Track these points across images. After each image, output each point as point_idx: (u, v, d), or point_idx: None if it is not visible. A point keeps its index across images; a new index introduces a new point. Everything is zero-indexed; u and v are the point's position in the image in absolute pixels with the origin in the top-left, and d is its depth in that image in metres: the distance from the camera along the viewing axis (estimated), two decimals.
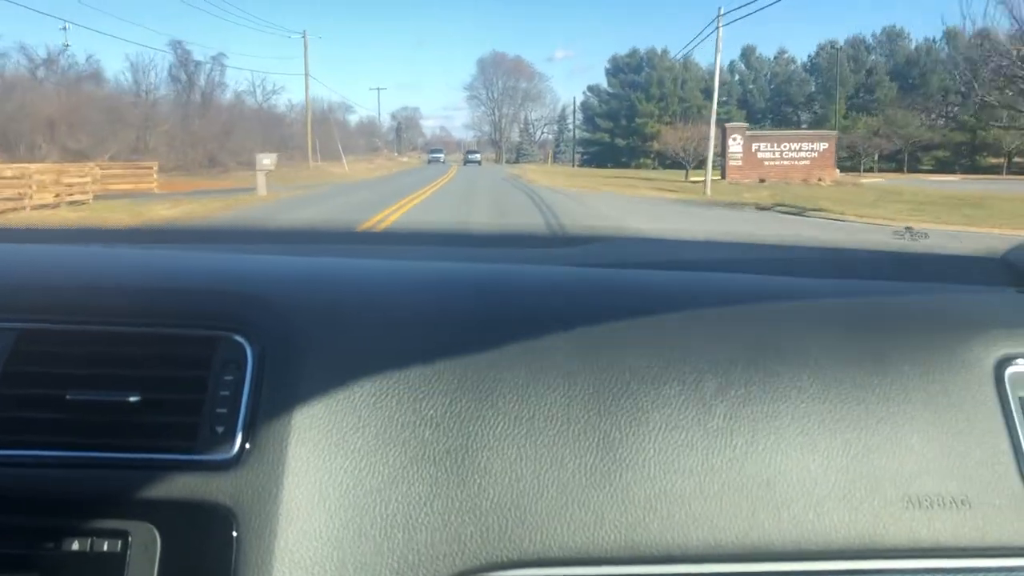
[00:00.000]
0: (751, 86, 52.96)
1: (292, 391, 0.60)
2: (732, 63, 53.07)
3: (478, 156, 56.96)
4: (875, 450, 0.60)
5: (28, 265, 0.75)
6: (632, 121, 50.84)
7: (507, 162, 62.67)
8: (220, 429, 0.59)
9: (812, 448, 0.60)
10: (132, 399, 0.59)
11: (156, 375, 0.61)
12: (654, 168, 43.47)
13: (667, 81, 50.69)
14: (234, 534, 0.56)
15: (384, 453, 0.59)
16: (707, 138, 21.04)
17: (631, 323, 0.67)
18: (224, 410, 0.59)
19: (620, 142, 51.52)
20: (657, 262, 0.83)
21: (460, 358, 0.63)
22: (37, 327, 0.63)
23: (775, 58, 53.21)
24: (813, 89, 50.10)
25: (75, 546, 0.56)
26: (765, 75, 53.37)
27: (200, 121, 29.94)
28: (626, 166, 47.68)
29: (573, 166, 54.16)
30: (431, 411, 0.60)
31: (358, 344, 0.64)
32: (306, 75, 35.40)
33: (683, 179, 26.15)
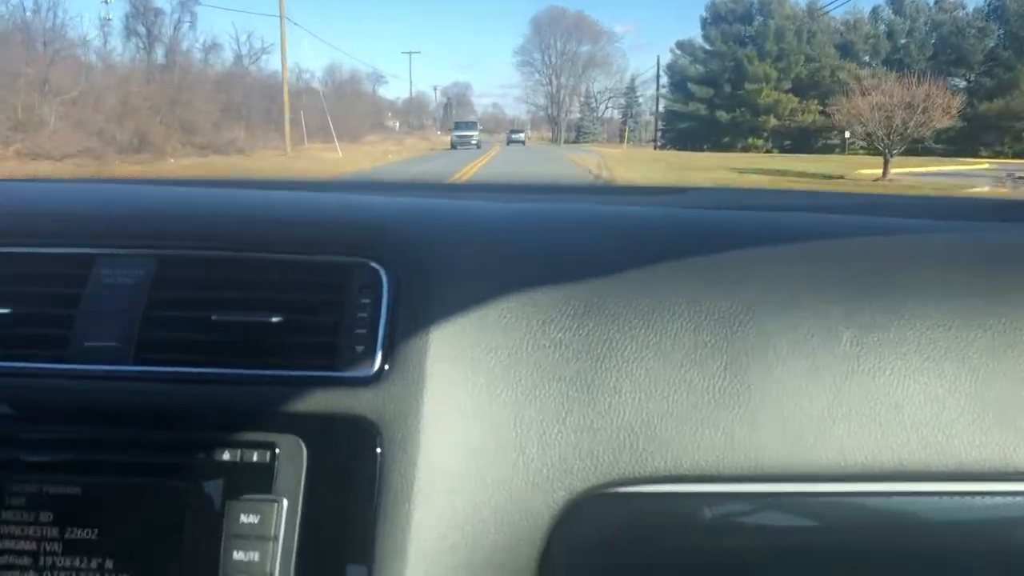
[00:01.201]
0: (904, 40, 52.27)
1: (427, 315, 0.85)
2: (876, 9, 52.60)
3: (522, 135, 57.94)
4: (1003, 376, 0.81)
5: (175, 200, 1.02)
6: (739, 87, 50.63)
7: (565, 142, 63.11)
8: (360, 348, 0.84)
9: (939, 374, 0.81)
10: (274, 320, 0.85)
11: (296, 299, 0.87)
12: (767, 150, 42.75)
13: (787, 34, 50.38)
14: (378, 448, 0.80)
15: (516, 372, 0.83)
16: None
17: (750, 255, 0.90)
18: (363, 331, 0.84)
19: (722, 116, 51.33)
20: (762, 205, 1.07)
21: (585, 285, 0.87)
22: (182, 254, 0.90)
23: (937, 1, 52.50)
24: (994, 43, 49.15)
25: (226, 456, 0.81)
26: (924, 24, 52.64)
27: (145, 88, 29.53)
28: (730, 148, 47.11)
29: (655, 148, 54.04)
30: (559, 334, 0.84)
31: (487, 272, 0.88)
32: (282, 20, 35.01)
33: (857, 175, 21.41)
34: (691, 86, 54.39)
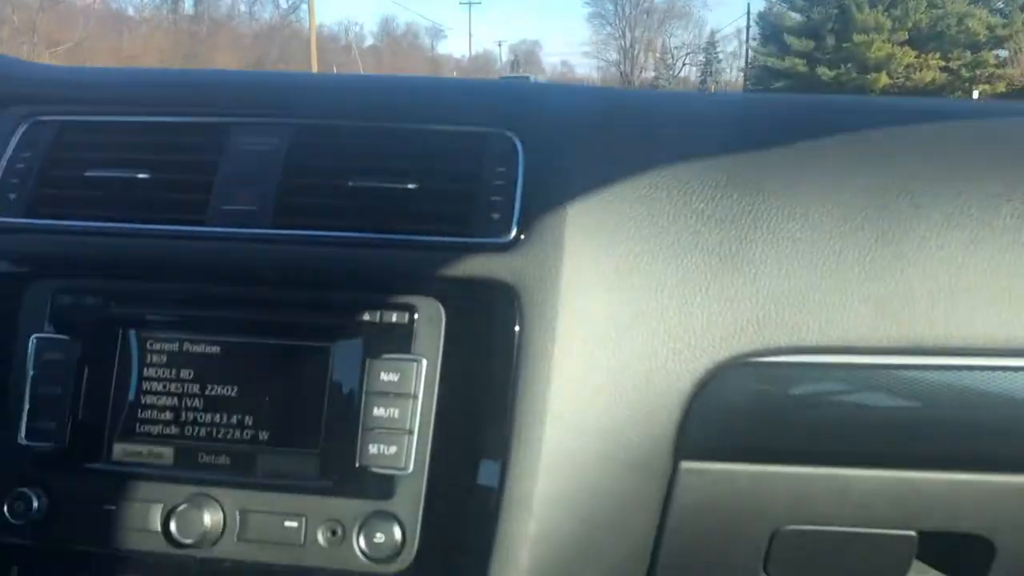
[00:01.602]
0: None
1: (564, 184, 0.93)
2: None
3: None
4: None
5: (310, 78, 1.12)
6: (844, 39, 49.25)
7: None
8: (496, 216, 0.92)
9: None
10: (411, 187, 0.94)
11: (432, 168, 0.95)
12: None
13: None
14: (516, 310, 0.89)
15: (657, 242, 0.91)
16: None
17: (903, 133, 0.96)
18: (499, 198, 0.93)
19: (824, 73, 50.04)
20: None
21: (728, 157, 0.94)
22: (319, 123, 1.00)
23: None
24: None
25: (366, 316, 0.91)
26: None
27: (156, 39, 29.41)
28: None
29: None
30: (701, 205, 0.92)
31: (627, 144, 0.96)
32: None
33: None
34: (787, 38, 52.96)
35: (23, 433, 0.93)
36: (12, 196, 1.01)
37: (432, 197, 0.94)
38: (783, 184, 0.92)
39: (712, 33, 67.61)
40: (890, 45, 41.07)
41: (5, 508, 0.92)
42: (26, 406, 0.93)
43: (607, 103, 1.05)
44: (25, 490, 0.91)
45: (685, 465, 0.91)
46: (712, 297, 0.89)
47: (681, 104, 1.06)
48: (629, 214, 0.92)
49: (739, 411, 0.90)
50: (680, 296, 0.89)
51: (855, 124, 0.98)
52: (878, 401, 0.89)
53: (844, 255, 0.88)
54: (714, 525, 0.94)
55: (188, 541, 0.87)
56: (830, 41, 49.45)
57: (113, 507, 0.91)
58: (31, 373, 0.93)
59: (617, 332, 0.89)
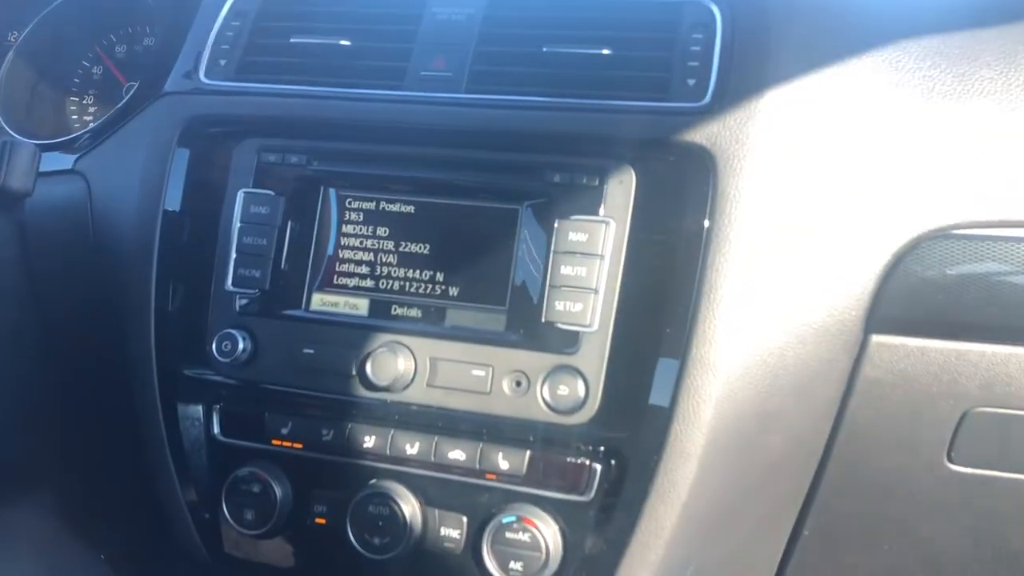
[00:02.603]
0: None
1: (764, 54, 0.91)
2: None
3: None
4: None
5: None
6: None
7: None
8: (691, 82, 0.92)
9: None
10: (605, 52, 0.95)
11: (627, 36, 0.96)
12: None
13: None
14: (709, 174, 0.88)
15: (862, 114, 0.88)
16: None
17: None
18: (695, 64, 0.93)
19: None
20: None
21: (941, 33, 0.90)
22: None
23: None
24: None
25: (557, 179, 0.92)
26: None
27: None
28: None
29: None
30: (910, 77, 0.89)
31: (831, 21, 0.93)
32: None
33: None
34: None
35: (230, 280, 0.99)
36: (223, 62, 1.07)
37: (626, 62, 0.94)
38: (1001, 54, 0.88)
39: None
40: None
41: (213, 347, 0.98)
42: (233, 255, 0.99)
43: None
44: (232, 331, 0.98)
45: (876, 339, 0.90)
46: (917, 168, 0.86)
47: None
48: (830, 86, 0.90)
49: (937, 284, 0.87)
50: (880, 170, 0.87)
51: None
52: None
53: None
54: (901, 402, 0.92)
55: (382, 384, 0.92)
56: None
57: (311, 351, 0.96)
58: (238, 225, 0.99)
59: (811, 200, 0.87)
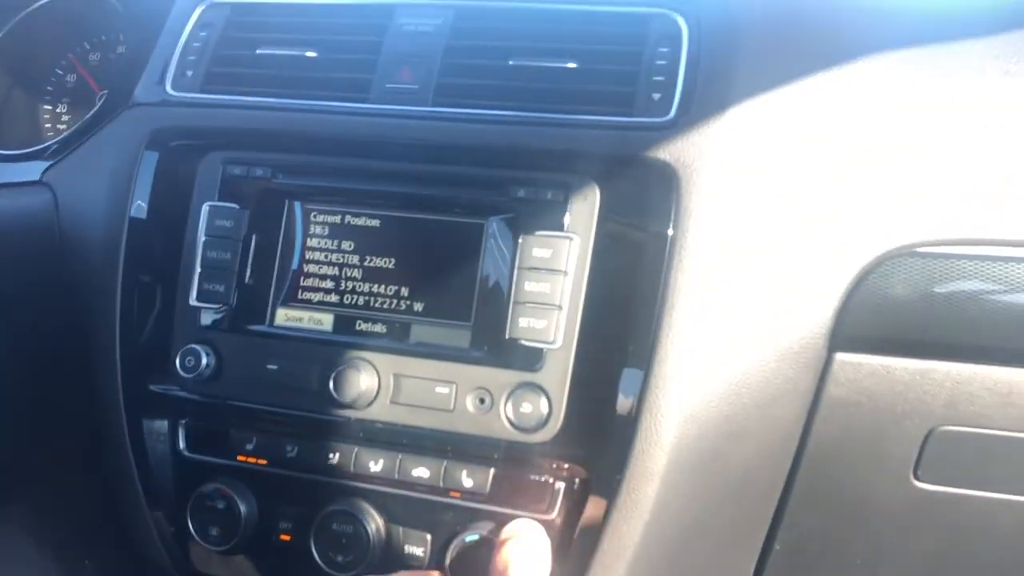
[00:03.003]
0: None
1: (730, 68, 0.90)
2: None
3: None
4: None
5: None
6: None
7: None
8: (657, 96, 0.91)
9: None
10: (571, 65, 0.94)
11: (593, 48, 0.95)
12: None
13: None
14: (673, 190, 0.87)
15: (828, 130, 0.88)
16: None
17: None
18: (660, 78, 0.92)
19: None
20: None
21: (902, 53, 0.90)
22: (480, 4, 1.00)
23: None
24: None
25: (522, 193, 0.92)
26: None
27: None
28: None
29: None
30: (884, 95, 0.88)
31: (801, 36, 0.93)
32: None
33: None
34: None
35: (194, 294, 0.98)
36: (189, 73, 1.06)
37: (592, 76, 0.94)
38: (967, 71, 0.87)
39: None
40: None
41: (177, 362, 0.97)
42: (197, 269, 0.98)
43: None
44: (195, 347, 0.97)
45: (840, 357, 0.89)
46: (882, 186, 0.86)
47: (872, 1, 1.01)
48: (796, 102, 0.89)
49: (902, 303, 0.87)
50: (848, 184, 0.86)
51: None
52: None
53: None
54: (867, 420, 0.91)
55: (346, 401, 0.91)
56: None
57: (275, 367, 0.96)
58: (203, 239, 0.99)
59: (776, 217, 0.87)
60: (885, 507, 0.98)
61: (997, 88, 0.88)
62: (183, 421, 1.02)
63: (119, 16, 1.22)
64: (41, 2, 1.26)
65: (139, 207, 1.03)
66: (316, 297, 0.97)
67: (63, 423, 1.10)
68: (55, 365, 1.07)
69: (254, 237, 0.99)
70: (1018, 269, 0.85)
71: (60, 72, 1.34)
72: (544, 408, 0.88)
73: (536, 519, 0.89)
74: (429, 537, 0.93)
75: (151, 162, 1.04)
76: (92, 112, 1.15)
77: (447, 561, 0.90)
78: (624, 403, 0.86)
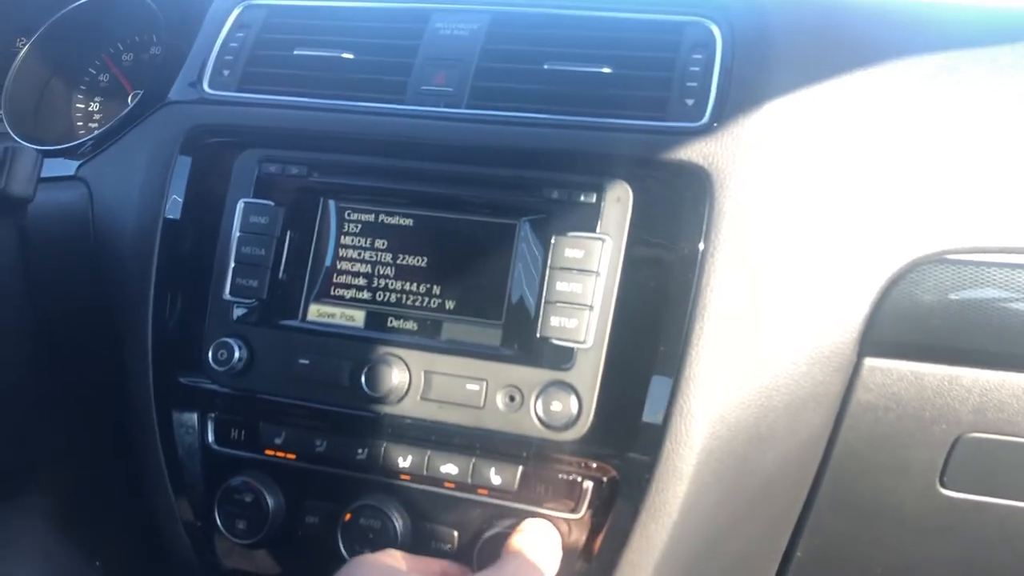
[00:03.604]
0: None
1: (764, 74, 0.92)
2: None
3: None
4: None
5: None
6: None
7: None
8: (690, 102, 0.93)
9: None
10: (605, 70, 0.95)
11: (627, 54, 0.96)
12: None
13: None
14: (706, 194, 0.88)
15: (861, 136, 0.89)
16: None
17: None
18: (694, 84, 0.93)
19: None
20: None
21: (937, 56, 0.91)
22: (516, 10, 1.02)
23: None
24: None
25: (555, 195, 0.93)
26: None
27: None
28: None
29: None
30: (914, 101, 0.89)
31: (835, 42, 0.94)
32: None
33: None
34: None
35: (228, 289, 0.99)
36: (226, 72, 1.08)
37: (626, 81, 0.95)
38: (1000, 78, 0.88)
39: None
40: None
41: (209, 355, 0.99)
42: (231, 264, 0.99)
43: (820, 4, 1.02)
44: (228, 340, 0.98)
45: (869, 362, 0.90)
46: (915, 191, 0.87)
47: (902, 7, 1.02)
48: (829, 107, 0.90)
49: (932, 309, 0.88)
50: (881, 188, 0.87)
51: None
52: None
53: None
54: (894, 426, 0.92)
55: (376, 396, 0.92)
56: None
57: (306, 362, 0.97)
58: (237, 235, 1.00)
59: (808, 222, 0.88)
60: (910, 514, 0.99)
61: None
62: (212, 414, 1.03)
63: (154, 18, 1.24)
64: (76, 3, 1.28)
65: (174, 202, 1.05)
66: (348, 294, 0.98)
67: (92, 414, 1.11)
68: (87, 356, 1.08)
69: (288, 234, 1.00)
70: None
71: (94, 71, 1.35)
72: (574, 407, 0.89)
73: (564, 518, 0.90)
74: (456, 534, 0.94)
75: (186, 159, 1.06)
76: (126, 111, 1.16)
77: (474, 557, 0.91)
78: (654, 404, 0.87)
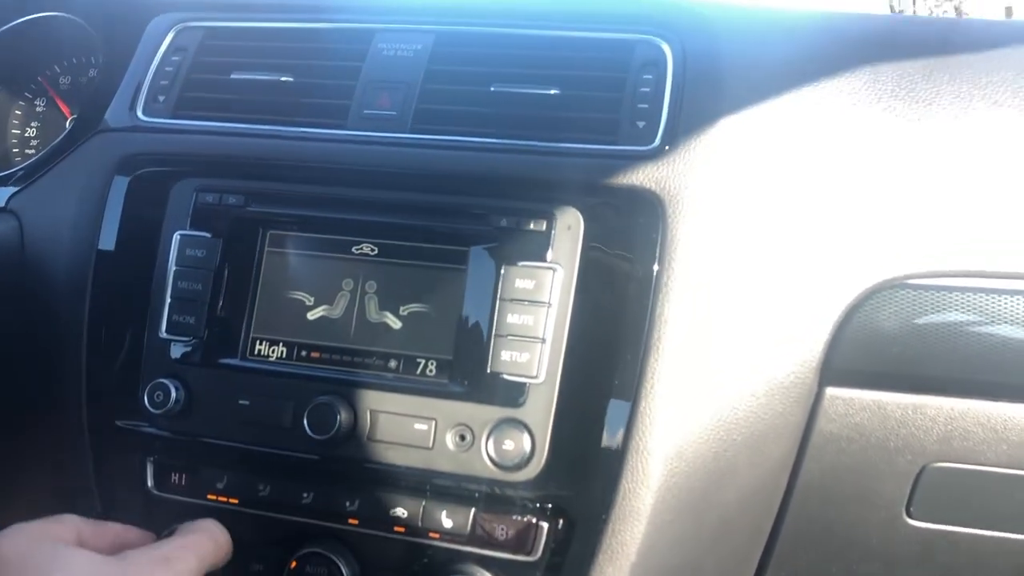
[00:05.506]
0: None
1: (716, 95, 0.89)
2: None
3: None
4: None
5: None
6: None
7: None
8: (641, 124, 0.89)
9: None
10: (553, 92, 0.92)
11: (576, 75, 0.92)
12: None
13: None
14: (659, 220, 0.85)
15: (815, 159, 0.86)
16: None
17: None
18: (644, 106, 0.89)
19: None
20: None
21: (891, 67, 0.88)
22: (461, 29, 0.98)
23: None
24: None
25: (504, 223, 0.89)
26: None
27: None
28: None
29: None
30: (868, 121, 0.86)
31: (785, 60, 0.91)
32: None
33: None
34: None
35: (164, 327, 0.95)
36: (161, 98, 1.03)
37: (575, 103, 0.91)
38: (952, 97, 0.85)
39: None
40: None
41: (145, 397, 0.94)
42: (167, 301, 0.95)
43: (775, 17, 0.99)
44: (164, 381, 0.93)
45: (831, 391, 0.87)
46: (873, 215, 0.84)
47: (856, 24, 0.99)
48: (782, 131, 0.87)
49: (893, 336, 0.85)
50: (838, 212, 0.84)
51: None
52: None
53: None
54: (858, 456, 0.89)
55: (320, 438, 0.88)
56: None
57: (247, 403, 0.92)
58: (174, 268, 0.95)
59: (765, 248, 0.85)
60: (877, 545, 0.96)
61: (986, 119, 0.87)
62: (151, 458, 0.98)
63: (91, 39, 1.19)
64: (10, 24, 1.23)
65: (108, 236, 0.99)
66: (290, 330, 0.93)
67: (26, 459, 1.05)
68: (18, 398, 1.02)
69: (227, 267, 0.95)
70: (1011, 302, 0.83)
71: (29, 95, 1.30)
72: (527, 445, 0.85)
73: (519, 560, 0.86)
74: None
75: (120, 189, 1.01)
76: (61, 137, 1.11)
77: None
78: (609, 440, 0.84)
